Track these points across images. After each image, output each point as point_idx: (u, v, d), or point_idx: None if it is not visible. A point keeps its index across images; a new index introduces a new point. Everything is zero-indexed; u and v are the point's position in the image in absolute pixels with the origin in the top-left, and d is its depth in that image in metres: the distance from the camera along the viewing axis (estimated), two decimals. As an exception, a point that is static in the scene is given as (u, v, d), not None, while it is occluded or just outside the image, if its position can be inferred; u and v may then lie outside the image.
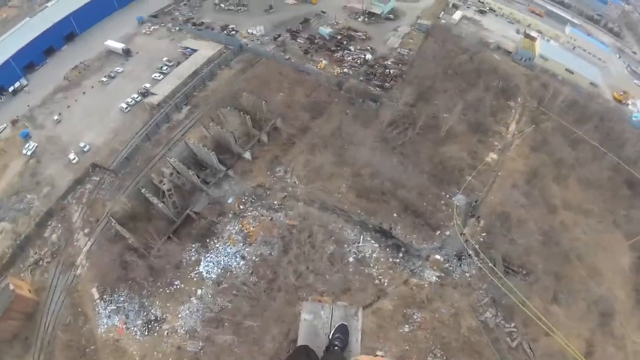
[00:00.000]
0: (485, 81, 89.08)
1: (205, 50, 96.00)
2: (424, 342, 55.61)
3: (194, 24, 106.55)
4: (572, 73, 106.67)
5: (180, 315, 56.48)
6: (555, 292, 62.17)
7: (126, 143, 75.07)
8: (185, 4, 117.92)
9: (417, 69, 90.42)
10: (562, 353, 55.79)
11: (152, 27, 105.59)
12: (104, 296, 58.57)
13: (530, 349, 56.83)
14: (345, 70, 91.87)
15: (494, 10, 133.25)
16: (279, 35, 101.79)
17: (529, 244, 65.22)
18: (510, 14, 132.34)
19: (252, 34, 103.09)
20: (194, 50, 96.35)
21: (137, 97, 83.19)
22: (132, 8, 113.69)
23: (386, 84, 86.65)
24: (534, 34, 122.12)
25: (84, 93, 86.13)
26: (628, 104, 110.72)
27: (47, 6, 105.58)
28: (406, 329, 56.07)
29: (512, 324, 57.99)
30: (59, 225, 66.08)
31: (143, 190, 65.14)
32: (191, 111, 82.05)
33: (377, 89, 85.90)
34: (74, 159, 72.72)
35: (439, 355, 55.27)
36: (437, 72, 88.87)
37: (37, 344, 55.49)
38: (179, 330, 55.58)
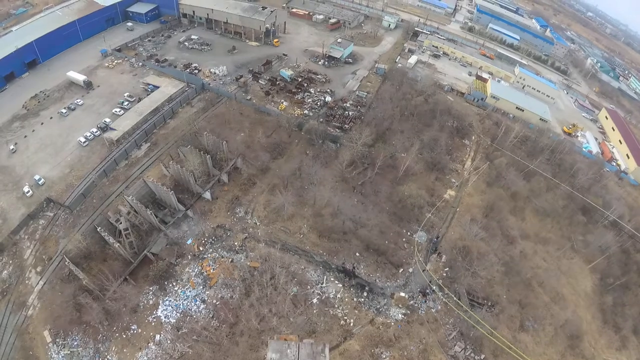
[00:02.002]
0: (440, 121, 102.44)
1: (167, 87, 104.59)
2: (395, 382, 59.73)
3: (157, 61, 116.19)
4: (523, 110, 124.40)
5: (137, 362, 57.26)
6: (521, 320, 69.53)
7: (83, 178, 78.26)
8: (149, 40, 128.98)
9: (375, 110, 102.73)
10: (535, 379, 61.78)
11: (115, 61, 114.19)
12: (57, 340, 58.85)
13: (503, 378, 62.33)
14: (306, 111, 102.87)
15: (447, 55, 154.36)
16: (241, 76, 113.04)
17: (491, 275, 73.40)
18: (463, 57, 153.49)
19: (215, 73, 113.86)
20: (156, 87, 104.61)
21: (96, 132, 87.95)
22: (96, 40, 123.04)
23: (345, 126, 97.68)
24: (485, 75, 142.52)
25: (42, 124, 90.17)
26: (577, 136, 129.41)
27: (11, 30, 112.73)
28: (376, 369, 60.09)
29: (482, 356, 63.38)
30: (10, 262, 66.78)
31: (99, 229, 67.25)
32: (151, 149, 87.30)
33: (337, 130, 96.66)
34: (28, 192, 74.79)
35: (410, 393, 59.32)
36: (394, 113, 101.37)
37: (-14, 389, 54.35)
38: (137, 379, 56.17)
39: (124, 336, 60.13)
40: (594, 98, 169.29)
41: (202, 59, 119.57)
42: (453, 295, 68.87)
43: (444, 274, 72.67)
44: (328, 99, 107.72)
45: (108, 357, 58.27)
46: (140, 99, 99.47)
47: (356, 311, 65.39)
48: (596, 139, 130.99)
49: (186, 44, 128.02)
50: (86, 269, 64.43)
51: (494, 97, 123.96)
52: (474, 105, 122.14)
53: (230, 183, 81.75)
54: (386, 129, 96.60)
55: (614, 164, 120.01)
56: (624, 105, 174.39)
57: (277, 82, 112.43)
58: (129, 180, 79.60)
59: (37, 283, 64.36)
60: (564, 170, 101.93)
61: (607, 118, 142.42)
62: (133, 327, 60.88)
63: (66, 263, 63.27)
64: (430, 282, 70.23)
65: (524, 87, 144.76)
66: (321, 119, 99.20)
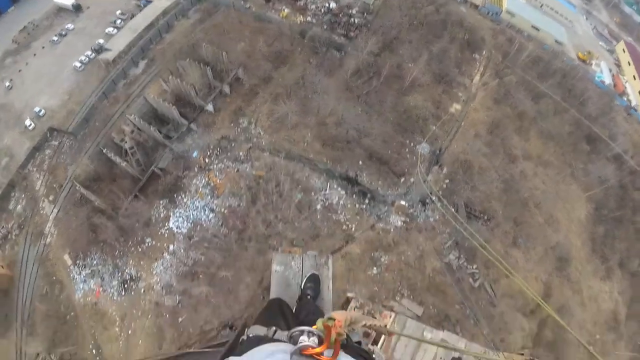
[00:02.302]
0: (451, 33, 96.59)
1: (161, 0, 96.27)
2: (392, 283, 63.78)
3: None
4: (538, 30, 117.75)
5: (154, 272, 60.75)
6: (514, 237, 72.24)
7: (83, 103, 76.40)
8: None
9: (382, 18, 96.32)
10: (521, 294, 65.50)
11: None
12: (77, 261, 61.39)
13: (492, 289, 66.66)
14: (309, 18, 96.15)
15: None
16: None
17: (490, 190, 74.71)
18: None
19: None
20: (149, 2, 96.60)
21: (90, 55, 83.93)
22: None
23: (351, 33, 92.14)
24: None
25: (34, 55, 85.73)
26: (592, 64, 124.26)
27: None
28: (374, 271, 63.77)
29: (474, 266, 67.09)
30: (23, 196, 67.66)
31: (105, 151, 67.56)
32: (149, 65, 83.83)
33: (342, 38, 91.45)
34: (30, 125, 73.78)
35: (406, 295, 63.55)
36: (403, 22, 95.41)
37: (18, 319, 58.11)
38: (155, 287, 59.99)
39: (140, 249, 62.56)
40: (613, 28, 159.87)
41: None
42: (451, 207, 70.65)
43: (444, 186, 73.95)
44: (332, 5, 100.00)
45: (127, 270, 61.25)
46: (133, 16, 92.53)
47: (358, 217, 67.50)
48: (610, 70, 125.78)
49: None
50: (97, 191, 65.30)
51: (509, 13, 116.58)
52: (487, 19, 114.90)
53: (232, 94, 79.24)
54: (393, 38, 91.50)
55: (625, 99, 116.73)
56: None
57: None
58: (130, 99, 77.53)
59: (52, 211, 65.48)
60: (574, 97, 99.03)
61: (624, 51, 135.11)
62: (147, 240, 63.08)
63: (77, 188, 64.02)
64: (430, 192, 71.49)
65: (542, 5, 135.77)
66: (325, 26, 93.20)
